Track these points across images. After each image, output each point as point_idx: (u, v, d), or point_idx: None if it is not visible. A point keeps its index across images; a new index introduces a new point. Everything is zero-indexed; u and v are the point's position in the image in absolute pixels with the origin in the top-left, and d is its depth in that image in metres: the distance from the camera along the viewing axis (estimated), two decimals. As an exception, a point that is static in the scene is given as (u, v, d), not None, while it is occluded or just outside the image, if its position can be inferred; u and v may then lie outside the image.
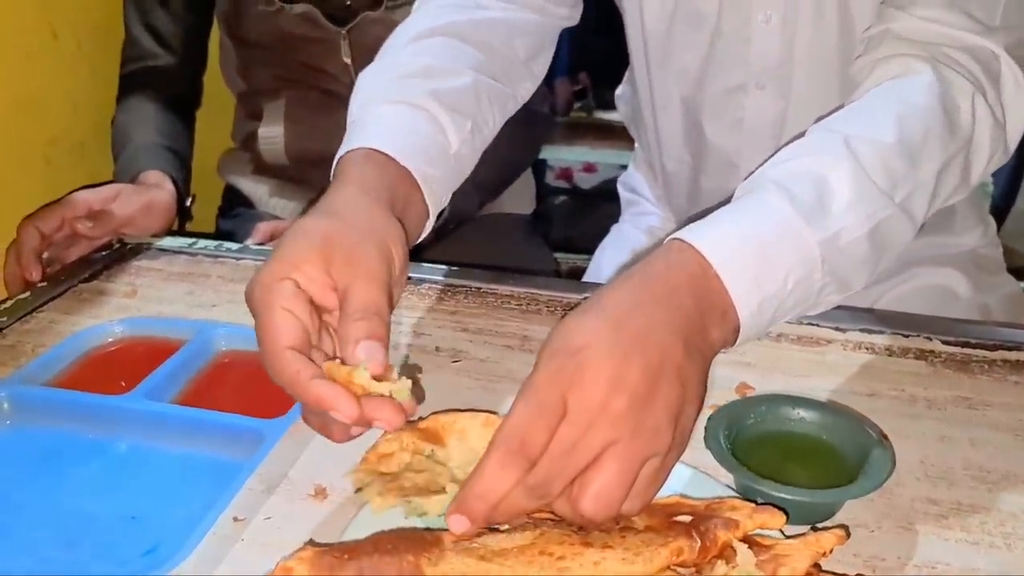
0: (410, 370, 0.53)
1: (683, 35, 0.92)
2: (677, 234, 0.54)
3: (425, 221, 0.65)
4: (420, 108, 0.68)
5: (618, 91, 1.16)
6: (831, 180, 0.57)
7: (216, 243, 0.92)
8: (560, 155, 2.27)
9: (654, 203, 1.18)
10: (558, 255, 1.48)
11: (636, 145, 1.19)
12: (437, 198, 0.65)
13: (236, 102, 1.29)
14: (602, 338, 0.46)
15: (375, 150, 0.62)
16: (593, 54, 2.38)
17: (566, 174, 3.12)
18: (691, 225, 0.55)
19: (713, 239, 0.53)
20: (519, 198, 1.30)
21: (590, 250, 1.24)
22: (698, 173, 1.01)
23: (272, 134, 1.21)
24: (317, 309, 0.53)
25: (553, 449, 0.45)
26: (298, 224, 0.56)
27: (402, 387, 0.50)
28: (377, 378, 0.49)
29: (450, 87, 0.71)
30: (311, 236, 0.54)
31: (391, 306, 0.54)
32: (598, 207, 2.75)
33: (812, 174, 0.57)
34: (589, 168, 2.97)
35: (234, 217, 1.26)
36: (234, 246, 0.92)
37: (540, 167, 2.57)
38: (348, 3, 1.13)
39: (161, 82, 1.18)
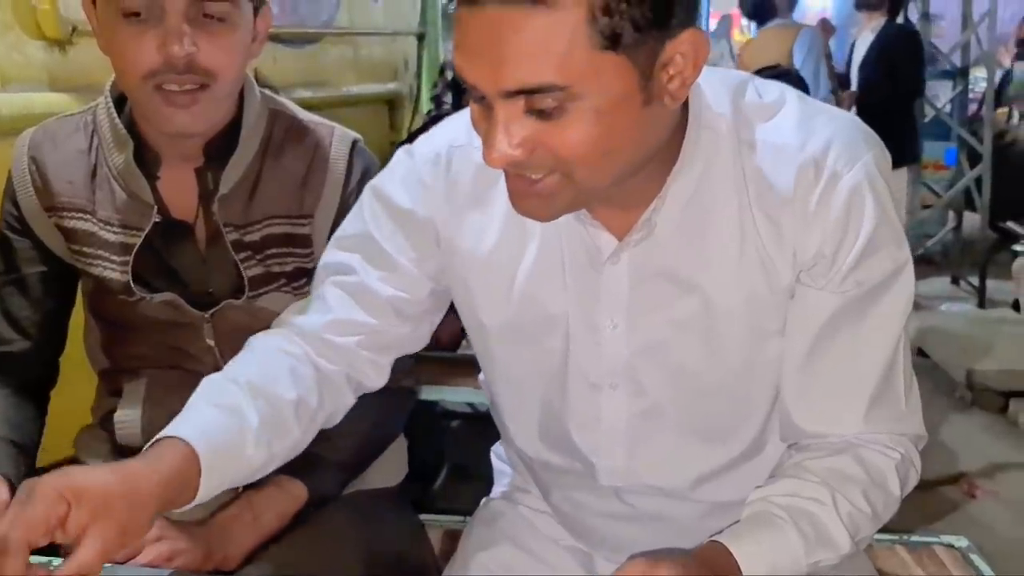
0: None
1: (529, 340, 0.94)
2: (726, 543, 0.80)
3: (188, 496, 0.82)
4: (233, 412, 0.87)
5: (481, 376, 1.17)
6: (830, 527, 0.82)
7: (46, 559, 0.87)
8: (446, 395, 2.26)
9: (525, 478, 1.16)
10: (435, 518, 1.45)
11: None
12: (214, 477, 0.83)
13: (98, 377, 1.27)
14: None
15: (178, 438, 0.81)
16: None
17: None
18: (733, 532, 0.81)
19: (747, 557, 0.79)
20: (386, 470, 1.28)
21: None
22: (559, 468, 1.02)
23: (129, 417, 1.18)
24: None
25: None
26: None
27: None
28: None
29: (269, 404, 0.90)
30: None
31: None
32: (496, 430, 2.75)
33: (814, 519, 0.82)
34: (488, 391, 2.97)
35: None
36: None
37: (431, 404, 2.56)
38: (210, 290, 1.15)
39: (13, 368, 1.16)
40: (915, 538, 1.38)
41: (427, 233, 0.95)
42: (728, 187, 0.84)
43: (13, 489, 1.01)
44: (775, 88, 0.88)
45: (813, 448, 0.88)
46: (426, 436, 2.50)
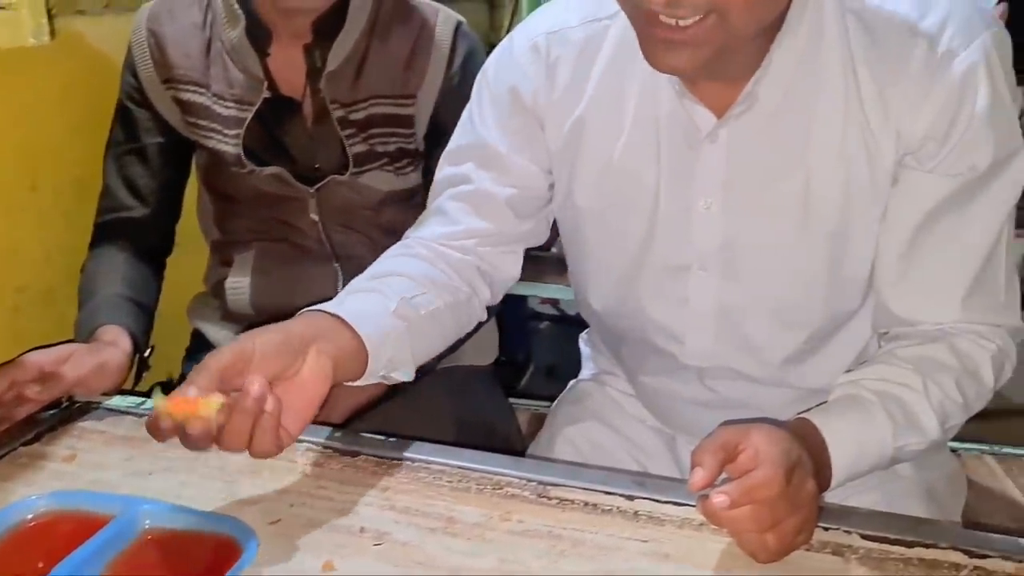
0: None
1: (619, 219, 0.94)
2: (814, 420, 0.79)
3: (356, 361, 0.81)
4: (378, 293, 0.88)
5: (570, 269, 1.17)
6: (919, 412, 0.82)
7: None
8: (542, 292, 2.29)
9: (613, 363, 1.18)
10: (523, 402, 1.50)
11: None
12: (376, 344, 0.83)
13: (210, 249, 1.33)
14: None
15: (329, 313, 0.82)
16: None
17: (552, 300, 3.15)
18: (821, 410, 0.81)
19: (835, 435, 0.79)
20: (480, 349, 1.32)
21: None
22: (643, 352, 1.03)
23: (239, 284, 1.25)
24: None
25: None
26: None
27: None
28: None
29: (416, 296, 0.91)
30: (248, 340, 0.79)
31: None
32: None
33: (903, 403, 0.81)
34: (576, 295, 2.99)
35: (199, 361, 1.28)
36: (181, 407, 0.93)
37: (521, 301, 2.60)
38: (317, 166, 1.19)
39: (133, 233, 1.22)
40: (1006, 449, 1.36)
41: (536, 124, 0.95)
42: (835, 59, 0.82)
43: (136, 343, 1.08)
44: None
45: (906, 336, 0.87)
46: (515, 331, 2.56)
